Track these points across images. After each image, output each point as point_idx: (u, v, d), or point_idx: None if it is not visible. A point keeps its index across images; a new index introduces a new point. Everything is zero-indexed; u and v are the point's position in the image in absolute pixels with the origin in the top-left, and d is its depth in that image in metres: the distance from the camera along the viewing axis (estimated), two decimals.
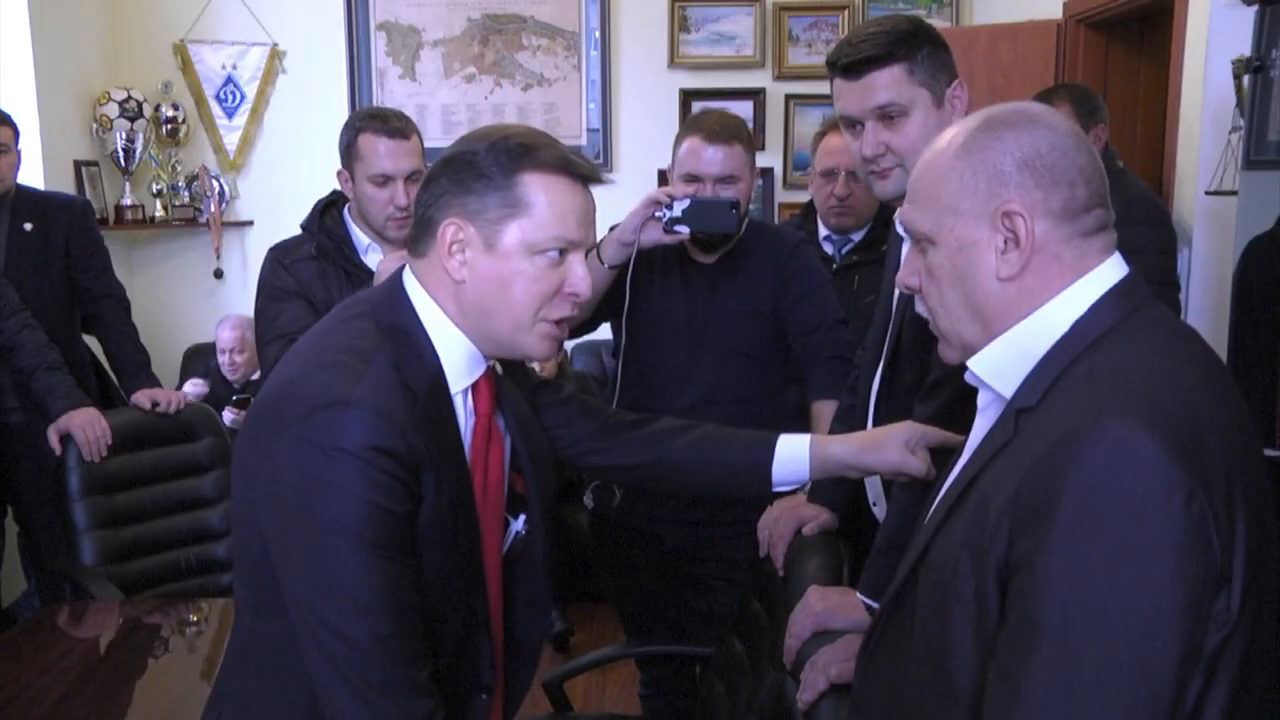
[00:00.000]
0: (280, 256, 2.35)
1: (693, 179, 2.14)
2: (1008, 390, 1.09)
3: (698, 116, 2.26)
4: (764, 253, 2.26)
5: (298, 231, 2.41)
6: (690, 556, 2.33)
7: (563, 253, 1.28)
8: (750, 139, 2.22)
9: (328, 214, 2.39)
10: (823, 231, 2.85)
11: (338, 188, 2.40)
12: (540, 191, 1.25)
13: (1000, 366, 1.10)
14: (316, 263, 2.31)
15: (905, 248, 1.32)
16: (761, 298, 2.23)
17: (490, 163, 1.25)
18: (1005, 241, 1.07)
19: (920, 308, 1.20)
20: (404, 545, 1.23)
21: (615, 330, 2.31)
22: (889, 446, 1.53)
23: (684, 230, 2.08)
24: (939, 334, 1.17)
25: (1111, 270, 1.09)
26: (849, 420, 1.90)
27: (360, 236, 2.36)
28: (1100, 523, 0.91)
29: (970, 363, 1.13)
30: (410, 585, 1.23)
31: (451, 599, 1.32)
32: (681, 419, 1.64)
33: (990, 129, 1.09)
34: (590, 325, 2.28)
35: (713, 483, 1.61)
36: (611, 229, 2.18)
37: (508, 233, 1.25)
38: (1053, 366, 1.05)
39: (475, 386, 1.34)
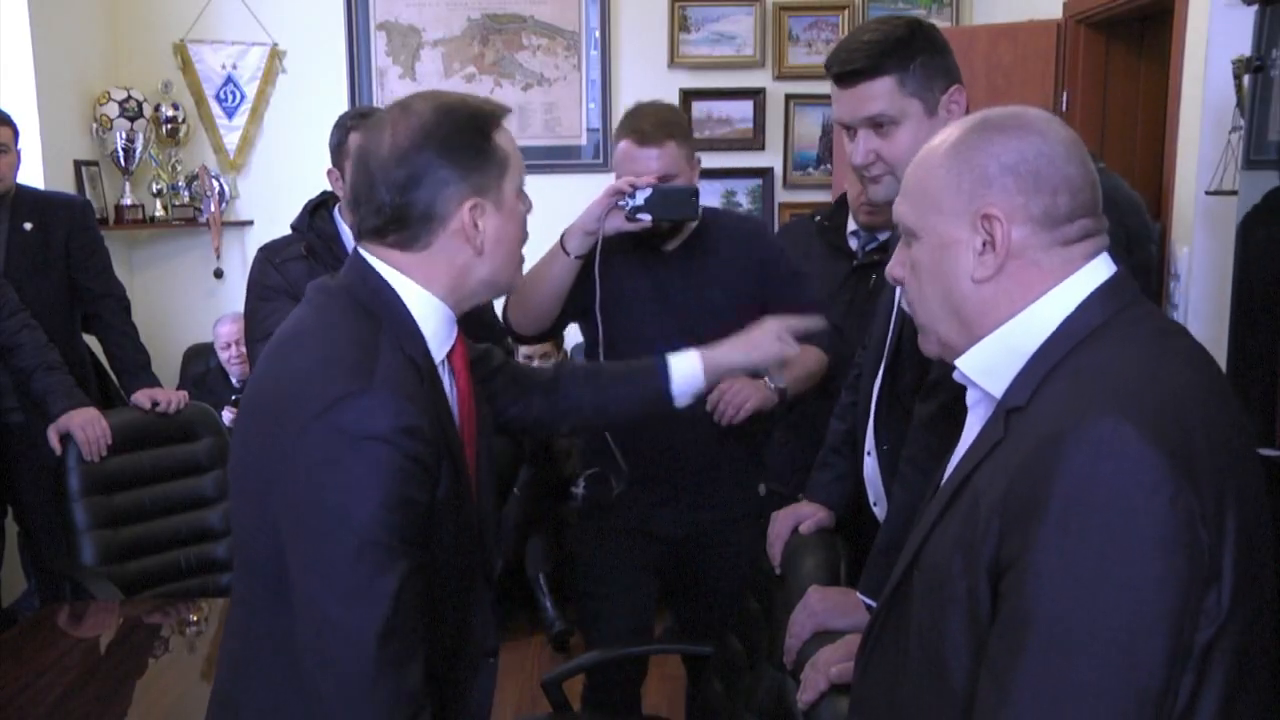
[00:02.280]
0: (270, 256, 2.36)
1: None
2: (997, 389, 1.10)
3: (630, 115, 2.20)
4: (735, 238, 2.28)
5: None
6: (688, 545, 2.30)
7: None
8: (685, 130, 2.21)
9: (317, 214, 2.41)
10: (851, 226, 2.83)
11: (329, 188, 2.40)
12: (505, 142, 1.35)
13: (989, 365, 1.11)
14: (306, 262, 2.33)
15: None
16: (745, 281, 2.24)
17: (475, 136, 1.31)
18: (983, 244, 1.08)
19: (904, 300, 1.21)
20: (418, 539, 1.23)
21: (587, 330, 2.27)
22: (766, 341, 1.76)
23: (646, 218, 2.09)
24: (919, 327, 1.19)
25: (1100, 268, 1.09)
26: (849, 418, 1.90)
27: (350, 235, 2.36)
28: (1088, 519, 0.91)
29: (959, 362, 1.14)
30: (418, 582, 1.23)
31: (457, 572, 1.33)
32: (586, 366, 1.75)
33: (982, 131, 1.10)
34: (558, 327, 2.27)
35: (624, 413, 1.75)
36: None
37: (506, 188, 1.34)
38: (1041, 365, 1.06)
39: (450, 351, 1.37)
